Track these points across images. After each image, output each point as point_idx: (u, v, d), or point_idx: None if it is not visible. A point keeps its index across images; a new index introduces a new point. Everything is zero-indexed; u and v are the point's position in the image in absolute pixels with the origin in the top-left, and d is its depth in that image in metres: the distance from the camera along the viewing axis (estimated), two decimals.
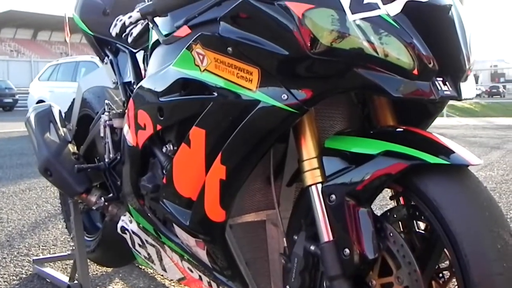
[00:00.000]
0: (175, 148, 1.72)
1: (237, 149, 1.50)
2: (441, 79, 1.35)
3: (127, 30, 2.27)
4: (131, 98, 1.88)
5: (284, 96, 1.39)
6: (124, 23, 2.29)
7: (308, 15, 1.33)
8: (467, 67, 1.40)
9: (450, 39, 1.38)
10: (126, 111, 2.08)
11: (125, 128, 1.93)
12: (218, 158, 1.53)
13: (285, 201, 1.81)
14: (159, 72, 1.73)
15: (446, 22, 1.39)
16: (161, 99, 1.69)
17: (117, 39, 2.36)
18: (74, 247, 2.71)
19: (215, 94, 1.52)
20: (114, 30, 2.34)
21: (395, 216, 1.49)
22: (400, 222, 1.58)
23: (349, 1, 1.32)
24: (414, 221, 1.55)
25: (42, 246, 3.56)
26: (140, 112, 1.81)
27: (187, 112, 1.64)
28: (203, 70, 1.55)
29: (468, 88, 1.43)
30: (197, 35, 1.55)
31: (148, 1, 2.30)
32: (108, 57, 2.47)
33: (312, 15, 1.33)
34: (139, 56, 2.31)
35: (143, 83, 1.81)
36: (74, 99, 2.83)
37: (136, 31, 2.23)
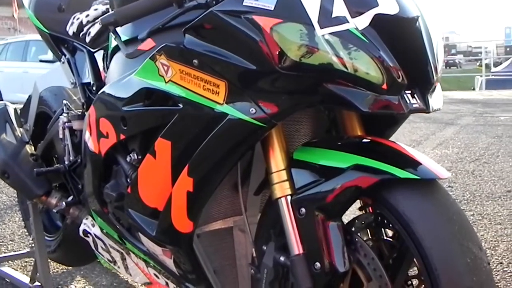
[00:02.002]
0: (139, 157, 1.69)
1: (205, 161, 1.49)
2: (409, 92, 1.35)
3: (85, 29, 2.22)
4: (92, 105, 1.84)
5: (252, 110, 1.37)
6: (82, 21, 2.24)
7: (276, 30, 1.31)
8: (435, 78, 1.40)
9: (418, 51, 1.38)
10: (86, 115, 2.04)
11: (87, 135, 1.89)
12: (185, 170, 1.51)
13: (251, 206, 1.80)
14: (121, 80, 1.70)
15: (414, 34, 1.38)
16: (124, 108, 1.66)
17: (74, 38, 2.30)
18: (32, 244, 2.67)
19: (181, 105, 1.49)
20: (71, 29, 2.28)
21: (363, 223, 1.49)
22: (368, 230, 1.59)
23: (318, 16, 1.30)
24: (382, 229, 1.56)
25: (0, 241, 3.49)
26: (102, 120, 1.77)
27: (151, 122, 1.61)
28: (168, 81, 1.52)
29: (436, 99, 1.44)
30: (161, 46, 1.51)
31: (103, 3, 2.26)
32: (65, 56, 2.41)
33: (281, 29, 1.31)
34: (98, 56, 2.26)
35: (105, 90, 1.77)
36: (29, 97, 2.76)
37: (94, 30, 2.17)
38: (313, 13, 1.30)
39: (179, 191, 1.54)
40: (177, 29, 1.49)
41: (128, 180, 1.75)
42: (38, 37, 2.47)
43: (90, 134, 1.85)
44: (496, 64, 24.10)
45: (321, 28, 1.29)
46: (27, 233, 3.48)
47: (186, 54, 1.45)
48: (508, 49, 39.89)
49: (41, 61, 11.29)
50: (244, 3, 1.35)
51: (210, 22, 1.40)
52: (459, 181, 4.65)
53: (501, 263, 2.86)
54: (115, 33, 1.60)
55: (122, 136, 1.70)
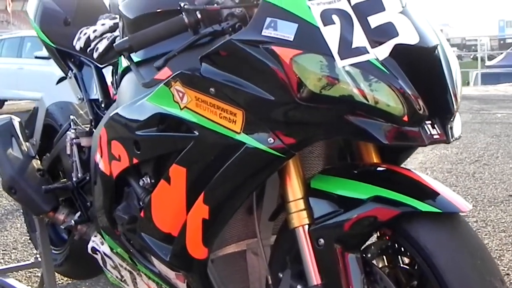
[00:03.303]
0: (153, 181, 1.68)
1: (221, 190, 1.47)
2: (429, 122, 1.34)
3: (92, 45, 2.20)
4: (103, 126, 1.82)
5: (270, 140, 1.36)
6: (89, 37, 2.22)
7: (296, 61, 1.29)
8: (455, 107, 1.39)
9: (438, 80, 1.37)
10: (95, 133, 2.03)
11: (97, 156, 1.87)
12: (201, 197, 1.50)
13: (264, 229, 1.79)
14: (134, 104, 1.68)
15: (434, 62, 1.37)
16: (138, 132, 1.64)
17: (81, 52, 2.28)
18: (37, 254, 2.67)
19: (196, 132, 1.48)
20: (78, 44, 2.26)
21: (379, 250, 1.48)
22: (384, 256, 1.58)
23: (338, 46, 1.29)
24: (399, 256, 1.55)
25: (2, 250, 3.47)
26: (114, 143, 1.76)
27: (166, 148, 1.60)
28: (183, 108, 1.50)
29: (455, 127, 1.43)
30: (177, 72, 1.49)
31: (110, 17, 2.24)
32: (72, 71, 2.39)
33: (300, 60, 1.29)
34: (106, 72, 2.24)
35: (118, 112, 1.75)
36: (34, 109, 2.73)
37: (101, 46, 2.15)
38: (333, 44, 1.29)
39: (194, 218, 1.53)
40: (192, 55, 1.47)
41: (141, 203, 1.74)
42: (33, 33, 2.44)
43: (101, 155, 1.84)
44: (490, 58, 24.09)
45: (342, 59, 1.28)
46: (29, 241, 3.46)
47: (203, 82, 1.44)
48: (501, 42, 39.90)
49: (36, 57, 11.21)
50: (263, 33, 1.33)
51: (228, 50, 1.38)
52: (460, 184, 4.65)
53: (507, 274, 2.86)
54: (130, 59, 1.58)
55: (135, 160, 1.69)
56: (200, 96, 1.45)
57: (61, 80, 2.57)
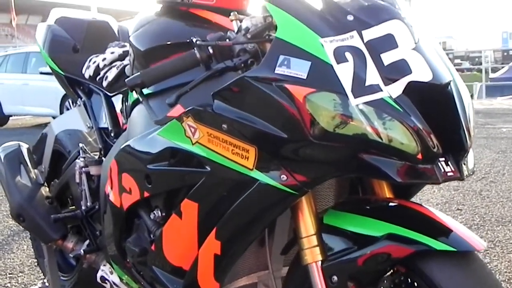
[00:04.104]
0: (164, 214, 1.68)
1: (233, 226, 1.47)
2: (443, 159, 1.33)
3: (102, 73, 2.21)
4: (114, 158, 1.82)
5: (283, 177, 1.36)
6: (98, 65, 2.23)
7: (310, 99, 1.29)
8: (469, 144, 1.38)
9: (452, 116, 1.36)
10: (104, 162, 2.03)
11: (108, 187, 1.87)
12: (213, 233, 1.50)
13: (275, 261, 1.78)
14: (145, 137, 1.68)
15: (447, 99, 1.36)
16: (149, 166, 1.64)
17: (90, 80, 2.28)
18: (44, 280, 2.66)
19: (208, 168, 1.48)
20: (87, 72, 2.26)
21: (393, 285, 1.47)
22: None
23: (351, 84, 1.29)
24: None
25: (9, 273, 3.46)
26: (124, 175, 1.75)
27: (177, 182, 1.60)
28: (195, 143, 1.50)
29: (469, 163, 1.42)
30: (189, 108, 1.49)
31: (120, 45, 2.24)
32: (81, 98, 2.39)
33: (314, 99, 1.29)
34: (115, 100, 2.24)
35: (129, 145, 1.75)
36: (42, 135, 2.73)
37: (111, 75, 2.15)
38: (347, 82, 1.29)
39: (206, 253, 1.52)
40: (204, 90, 1.47)
41: (152, 236, 1.73)
42: (38, 48, 2.44)
43: (112, 187, 1.84)
44: (494, 70, 24.05)
45: (355, 97, 1.28)
46: (36, 263, 3.45)
47: (215, 118, 1.43)
48: (505, 54, 39.86)
49: (41, 73, 11.23)
50: (276, 71, 1.33)
51: (241, 87, 1.38)
52: (467, 203, 4.63)
53: None
54: (142, 95, 1.58)
55: (146, 194, 1.68)
56: (212, 132, 1.45)
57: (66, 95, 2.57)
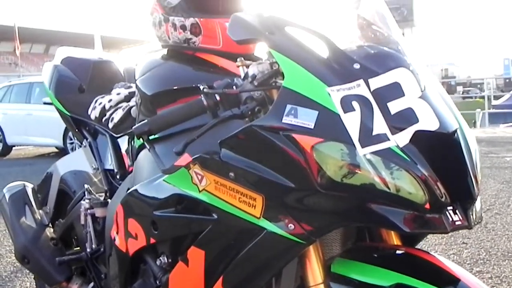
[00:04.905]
0: (170, 261, 1.67)
1: (240, 274, 1.47)
2: (451, 208, 1.33)
3: (107, 114, 2.21)
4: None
5: (290, 226, 1.35)
6: (104, 106, 2.23)
7: (317, 149, 1.29)
8: (476, 192, 1.37)
9: (459, 164, 1.36)
10: (110, 205, 2.02)
11: (113, 232, 1.87)
12: (219, 281, 1.49)
13: None
14: (151, 183, 1.68)
15: (454, 147, 1.36)
16: (155, 212, 1.64)
17: (96, 122, 2.28)
18: None
19: (215, 216, 1.48)
20: (93, 113, 2.27)
21: None
22: None
23: (358, 134, 1.29)
24: None
25: None
26: (131, 221, 1.75)
27: (184, 229, 1.60)
28: (202, 190, 1.50)
29: (477, 210, 1.42)
30: (196, 156, 1.49)
31: (126, 86, 2.25)
32: (86, 139, 2.40)
33: (322, 148, 1.29)
34: (121, 141, 2.24)
35: (135, 190, 1.75)
36: (47, 174, 2.72)
37: (117, 116, 2.16)
38: (354, 132, 1.29)
39: None
40: (211, 138, 1.47)
41: (158, 282, 1.73)
42: (41, 79, 2.46)
43: (117, 232, 1.83)
44: (496, 97, 24.11)
45: (362, 147, 1.27)
46: None
47: (222, 167, 1.43)
48: (507, 80, 39.99)
49: (45, 103, 11.28)
50: (283, 120, 1.33)
51: (248, 136, 1.38)
52: (472, 236, 4.60)
53: None
54: (149, 143, 1.58)
55: (152, 240, 1.68)
56: (219, 180, 1.45)
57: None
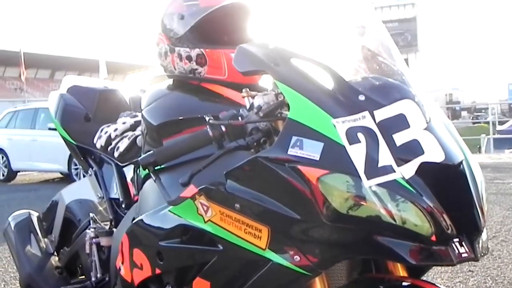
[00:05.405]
0: None
1: None
2: (457, 240, 1.32)
3: (113, 143, 2.22)
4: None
5: (296, 258, 1.35)
6: (110, 135, 2.24)
7: (323, 181, 1.29)
8: (482, 223, 1.37)
9: (465, 196, 1.36)
10: (115, 233, 2.02)
11: (118, 261, 1.86)
12: None
13: None
14: (157, 213, 1.68)
15: (460, 179, 1.36)
16: (161, 243, 1.64)
17: (102, 150, 2.29)
18: None
19: (220, 247, 1.47)
20: (99, 142, 2.28)
21: None
22: None
23: (364, 166, 1.29)
24: None
25: None
26: (136, 251, 1.75)
27: (189, 260, 1.59)
28: (207, 221, 1.50)
29: (483, 242, 1.41)
30: (202, 187, 1.50)
31: (131, 115, 2.26)
32: (92, 168, 2.40)
33: (327, 180, 1.29)
34: (126, 170, 2.25)
35: (141, 220, 1.75)
36: (52, 202, 2.73)
37: (122, 146, 2.17)
38: (360, 163, 1.29)
39: None
40: (216, 168, 1.47)
41: None
42: (46, 104, 2.49)
43: (123, 262, 1.83)
44: (501, 122, 24.10)
45: (368, 179, 1.28)
46: None
47: (228, 198, 1.44)
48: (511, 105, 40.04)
49: (50, 129, 11.32)
50: (289, 152, 1.33)
51: (254, 168, 1.38)
52: (478, 263, 4.56)
53: None
54: (155, 173, 1.59)
55: (157, 271, 1.68)
56: (225, 211, 1.45)
57: None
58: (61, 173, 12.76)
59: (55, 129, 2.58)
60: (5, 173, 13.30)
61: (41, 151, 12.16)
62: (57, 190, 2.72)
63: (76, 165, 11.34)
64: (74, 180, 10.68)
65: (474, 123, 28.28)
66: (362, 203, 1.27)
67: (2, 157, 13.26)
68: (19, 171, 13.61)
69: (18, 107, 14.26)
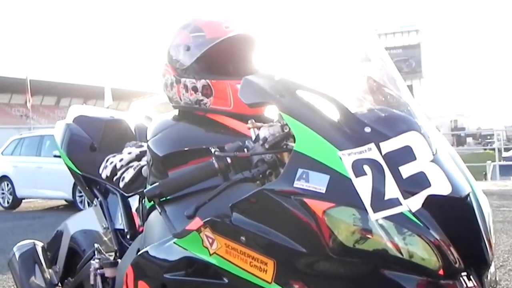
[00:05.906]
0: None
1: None
2: (465, 273, 1.31)
3: (118, 174, 2.22)
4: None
5: None
6: (115, 165, 2.24)
7: (329, 214, 1.29)
8: (490, 256, 1.36)
9: (472, 228, 1.35)
10: (121, 265, 2.01)
11: None
12: None
13: None
14: (162, 245, 1.67)
15: (467, 211, 1.36)
16: (166, 275, 1.63)
17: (107, 180, 2.29)
18: None
19: (226, 280, 1.47)
20: (104, 172, 2.27)
21: None
22: None
23: (370, 199, 1.28)
24: None
25: None
26: (141, 283, 1.74)
27: None
28: (212, 254, 1.49)
29: (491, 274, 1.40)
30: (207, 219, 1.49)
31: (137, 145, 2.27)
32: (97, 198, 2.40)
33: (333, 213, 1.29)
34: (132, 201, 2.24)
35: (146, 252, 1.74)
36: (57, 232, 2.72)
37: (128, 176, 2.17)
38: (366, 196, 1.28)
39: None
40: (222, 200, 1.47)
41: None
42: (52, 132, 2.51)
43: None
44: (507, 149, 24.06)
45: (375, 212, 1.27)
46: None
47: (233, 230, 1.43)
48: None
49: (55, 156, 11.34)
50: (295, 185, 1.33)
51: (260, 200, 1.38)
52: None
53: None
54: (160, 205, 1.58)
55: None
56: (230, 244, 1.44)
57: None
58: (65, 200, 12.75)
59: (60, 156, 2.58)
60: (10, 200, 13.29)
61: (46, 178, 12.15)
62: (61, 217, 2.71)
63: (80, 192, 11.33)
64: (78, 208, 10.68)
65: (484, 149, 28.19)
66: (368, 236, 1.26)
67: (7, 184, 13.26)
68: (24, 198, 13.60)
69: (24, 134, 14.30)
